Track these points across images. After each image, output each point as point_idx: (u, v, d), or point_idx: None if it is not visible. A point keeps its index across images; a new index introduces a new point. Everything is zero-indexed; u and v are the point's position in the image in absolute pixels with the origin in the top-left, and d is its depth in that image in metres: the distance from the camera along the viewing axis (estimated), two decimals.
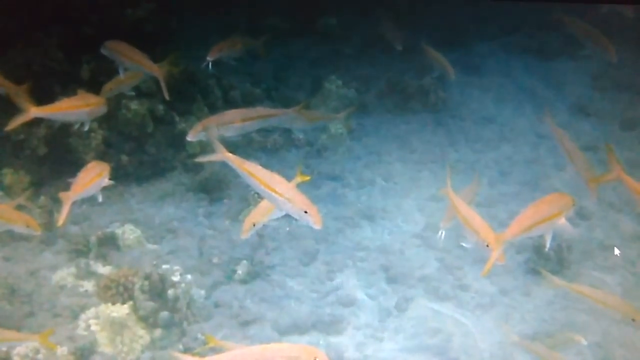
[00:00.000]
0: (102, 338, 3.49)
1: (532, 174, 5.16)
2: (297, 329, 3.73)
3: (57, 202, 3.60)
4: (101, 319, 3.51)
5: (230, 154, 2.91)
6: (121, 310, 3.51)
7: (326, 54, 6.69)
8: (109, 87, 4.18)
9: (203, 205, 4.71)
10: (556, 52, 6.77)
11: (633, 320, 3.19)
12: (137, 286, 3.67)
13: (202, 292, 3.90)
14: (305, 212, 2.75)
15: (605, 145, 3.60)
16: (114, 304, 3.58)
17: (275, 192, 2.81)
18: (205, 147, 4.71)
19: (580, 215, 4.60)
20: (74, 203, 3.41)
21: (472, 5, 6.91)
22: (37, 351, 3.34)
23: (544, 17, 6.21)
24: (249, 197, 4.55)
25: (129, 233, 4.26)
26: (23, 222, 3.41)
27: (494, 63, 6.68)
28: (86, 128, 4.14)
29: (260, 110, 4.02)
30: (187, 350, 3.48)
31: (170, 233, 4.42)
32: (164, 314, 3.62)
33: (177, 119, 5.04)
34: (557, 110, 5.91)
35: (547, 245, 3.11)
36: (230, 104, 5.40)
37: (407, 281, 4.10)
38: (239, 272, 4.06)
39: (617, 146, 4.76)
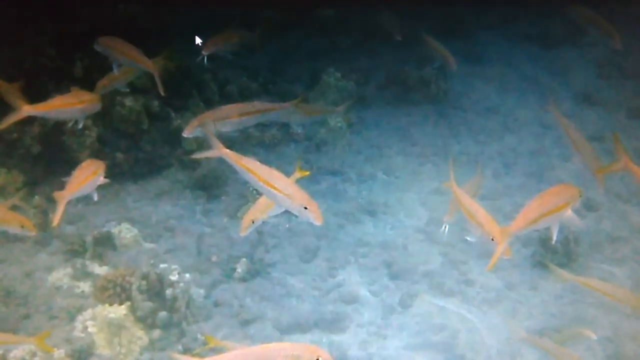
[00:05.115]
0: (100, 340, 3.44)
1: (537, 165, 5.10)
2: (298, 327, 3.68)
3: (52, 201, 3.54)
4: (98, 321, 3.46)
5: (228, 150, 2.87)
6: (119, 311, 3.46)
7: (324, 46, 6.62)
8: (103, 84, 4.14)
9: (200, 202, 4.66)
10: (559, 40, 6.69)
11: None
12: (134, 286, 3.62)
13: (201, 291, 3.85)
14: (305, 208, 2.71)
15: (611, 134, 3.51)
16: (111, 304, 3.53)
17: (274, 188, 2.77)
18: (202, 144, 4.66)
19: (588, 207, 4.55)
20: (69, 202, 3.38)
21: None
22: (33, 354, 3.29)
23: (546, 4, 6.09)
24: (248, 194, 4.49)
25: (125, 232, 4.20)
26: (17, 223, 3.38)
27: (496, 52, 6.61)
28: (80, 126, 4.10)
29: (257, 104, 3.96)
30: (186, 351, 3.44)
31: (168, 231, 4.37)
32: (163, 314, 3.56)
33: (172, 115, 4.99)
34: (561, 99, 5.84)
35: (554, 237, 3.06)
36: (226, 98, 5.35)
37: (411, 277, 4.04)
38: (239, 270, 4.00)
39: (624, 135, 4.70)
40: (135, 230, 4.24)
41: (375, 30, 6.41)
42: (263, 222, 3.25)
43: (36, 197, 4.35)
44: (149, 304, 3.56)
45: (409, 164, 5.15)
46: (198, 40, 4.52)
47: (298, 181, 2.98)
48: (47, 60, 4.90)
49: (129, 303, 3.59)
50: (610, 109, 5.80)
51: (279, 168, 2.85)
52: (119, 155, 4.78)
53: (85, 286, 3.87)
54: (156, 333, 3.55)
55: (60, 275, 3.94)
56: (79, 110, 3.82)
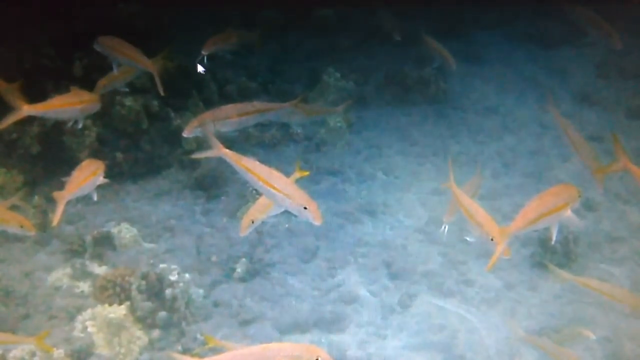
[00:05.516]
0: (99, 340, 3.45)
1: (536, 165, 5.11)
2: (298, 327, 3.68)
3: (52, 201, 3.54)
4: (98, 320, 3.46)
5: (227, 150, 2.86)
6: (118, 311, 3.46)
7: (323, 46, 6.62)
8: (103, 84, 4.13)
9: (200, 202, 4.66)
10: (558, 40, 6.71)
11: None
12: (134, 286, 3.62)
13: (201, 291, 3.85)
14: (305, 208, 2.70)
15: (610, 134, 3.51)
16: (110, 304, 3.53)
17: (274, 188, 2.77)
18: (201, 143, 4.66)
19: (587, 207, 4.55)
20: (68, 202, 3.38)
21: None
22: (33, 354, 3.30)
23: (545, 4, 6.10)
24: (247, 194, 4.49)
25: (125, 232, 4.20)
26: (17, 223, 3.39)
27: (495, 52, 6.62)
28: (80, 126, 4.10)
29: (257, 104, 3.95)
30: (186, 351, 3.44)
31: (167, 231, 4.37)
32: (162, 314, 3.57)
33: (172, 114, 4.99)
34: (560, 99, 5.85)
35: (553, 238, 3.06)
36: (226, 98, 5.36)
37: (410, 277, 4.04)
38: (238, 270, 4.00)
39: (623, 135, 4.72)
40: (134, 230, 4.24)
41: (375, 31, 6.42)
42: (262, 222, 3.24)
43: (36, 197, 4.35)
44: (148, 304, 3.56)
45: (408, 164, 5.16)
46: (198, 42, 4.52)
47: (297, 181, 2.99)
48: (47, 60, 4.90)
49: (128, 303, 3.60)
50: (610, 109, 5.81)
51: (278, 168, 2.84)
52: (119, 155, 4.78)
53: (84, 286, 3.87)
54: (156, 333, 3.55)
55: (60, 275, 3.94)
56: (78, 110, 3.82)
